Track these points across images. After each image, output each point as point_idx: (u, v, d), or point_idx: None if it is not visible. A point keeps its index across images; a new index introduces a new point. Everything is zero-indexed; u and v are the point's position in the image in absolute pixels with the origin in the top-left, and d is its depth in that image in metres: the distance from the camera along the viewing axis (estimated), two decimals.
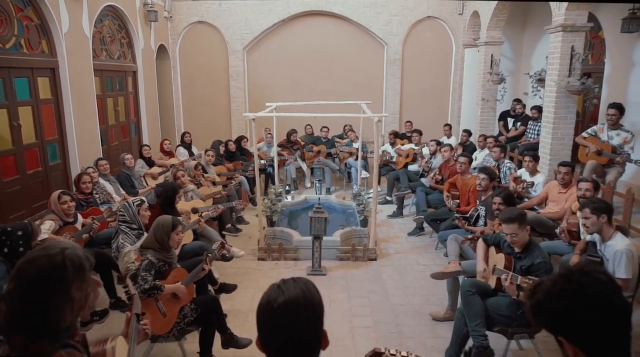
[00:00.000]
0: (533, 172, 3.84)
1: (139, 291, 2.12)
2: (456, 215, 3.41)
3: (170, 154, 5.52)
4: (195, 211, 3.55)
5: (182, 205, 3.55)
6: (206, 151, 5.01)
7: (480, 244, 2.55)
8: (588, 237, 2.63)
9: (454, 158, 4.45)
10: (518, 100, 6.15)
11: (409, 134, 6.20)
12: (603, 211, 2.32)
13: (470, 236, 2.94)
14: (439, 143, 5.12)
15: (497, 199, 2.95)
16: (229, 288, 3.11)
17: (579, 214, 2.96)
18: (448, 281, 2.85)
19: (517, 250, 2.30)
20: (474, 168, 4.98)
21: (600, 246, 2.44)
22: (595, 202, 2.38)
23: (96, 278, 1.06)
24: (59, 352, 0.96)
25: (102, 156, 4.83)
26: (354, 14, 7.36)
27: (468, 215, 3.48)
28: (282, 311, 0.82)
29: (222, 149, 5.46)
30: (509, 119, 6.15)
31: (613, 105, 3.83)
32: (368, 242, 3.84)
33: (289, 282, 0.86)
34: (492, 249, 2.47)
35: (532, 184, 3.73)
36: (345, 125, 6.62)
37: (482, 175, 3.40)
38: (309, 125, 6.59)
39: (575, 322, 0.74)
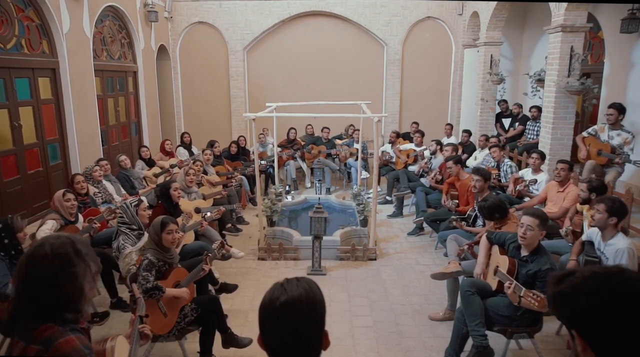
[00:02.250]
0: (537, 170, 3.84)
1: (141, 290, 2.12)
2: (453, 217, 3.39)
3: (170, 154, 5.52)
4: (197, 210, 3.56)
5: (184, 204, 3.55)
6: (203, 151, 5.01)
7: (484, 242, 2.50)
8: (583, 237, 2.63)
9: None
10: (505, 101, 6.18)
11: (412, 135, 6.20)
12: (616, 214, 2.28)
13: (466, 246, 2.90)
14: (439, 143, 5.11)
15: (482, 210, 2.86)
16: (229, 288, 3.12)
17: (585, 213, 2.97)
18: (448, 281, 2.84)
19: (523, 253, 2.25)
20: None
21: (599, 244, 2.43)
22: (615, 203, 2.30)
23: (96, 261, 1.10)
24: (69, 336, 0.99)
25: (102, 156, 4.84)
26: (353, 14, 7.37)
27: (466, 215, 3.47)
28: (284, 309, 0.83)
29: (216, 150, 5.45)
30: (503, 119, 6.17)
31: (612, 105, 3.84)
32: (368, 242, 3.85)
33: (292, 282, 0.87)
34: (496, 249, 2.43)
35: (535, 181, 3.72)
36: (350, 125, 6.61)
37: (476, 177, 3.38)
38: (309, 125, 6.59)
39: (595, 323, 0.72)
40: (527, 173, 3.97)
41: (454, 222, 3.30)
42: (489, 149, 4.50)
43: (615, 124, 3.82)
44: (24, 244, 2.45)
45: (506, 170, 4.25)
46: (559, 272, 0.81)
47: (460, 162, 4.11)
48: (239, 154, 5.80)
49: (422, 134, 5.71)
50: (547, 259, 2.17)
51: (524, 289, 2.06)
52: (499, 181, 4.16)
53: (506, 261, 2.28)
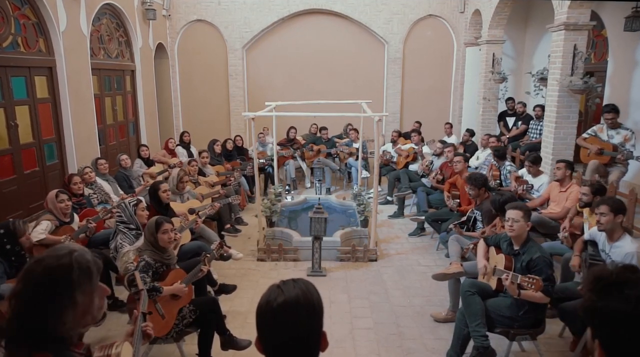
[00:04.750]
0: (536, 174, 3.78)
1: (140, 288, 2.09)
2: (450, 226, 3.36)
3: (173, 153, 5.48)
4: (192, 211, 3.51)
5: (178, 206, 3.51)
6: (200, 153, 4.95)
7: (481, 244, 2.54)
8: (586, 236, 2.60)
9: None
10: (512, 99, 6.12)
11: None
12: (620, 212, 2.30)
13: (471, 245, 2.88)
14: (444, 144, 5.04)
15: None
16: (228, 289, 3.08)
17: (585, 215, 2.93)
18: (449, 282, 2.82)
19: (515, 247, 2.29)
20: (476, 168, 4.94)
21: (604, 245, 2.40)
22: (615, 201, 2.35)
23: (104, 286, 1.05)
24: None
25: (100, 156, 4.80)
26: (354, 12, 7.31)
27: (465, 218, 3.43)
28: (281, 311, 0.82)
29: (216, 148, 5.40)
30: (507, 118, 6.12)
31: (609, 110, 3.81)
32: (368, 243, 3.81)
33: (288, 283, 0.86)
34: (492, 250, 2.45)
35: (532, 186, 3.68)
36: (348, 124, 6.57)
37: (468, 187, 3.38)
38: (314, 124, 6.51)
39: (624, 348, 0.69)
40: (526, 173, 3.92)
41: (453, 229, 3.26)
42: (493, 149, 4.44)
43: (615, 124, 3.79)
44: (26, 247, 2.40)
45: (506, 175, 4.20)
46: (606, 277, 0.71)
47: (468, 161, 4.07)
48: (233, 152, 5.74)
49: (419, 133, 5.68)
50: (537, 248, 2.22)
51: (519, 276, 2.11)
52: (501, 184, 4.11)
53: (502, 259, 2.31)
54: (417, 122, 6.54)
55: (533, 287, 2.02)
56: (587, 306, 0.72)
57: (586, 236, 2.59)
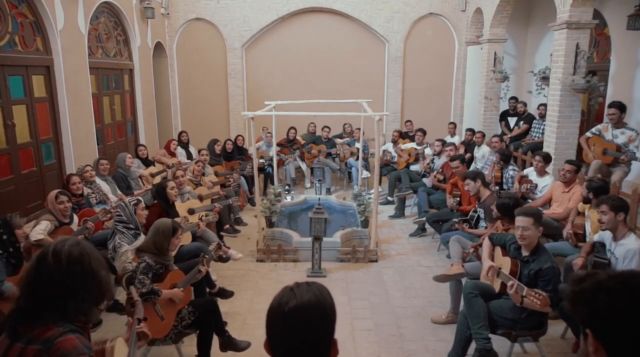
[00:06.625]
0: (541, 173, 3.74)
1: (137, 294, 2.08)
2: (454, 220, 3.33)
3: (174, 154, 5.45)
4: (191, 211, 3.49)
5: (178, 206, 3.49)
6: (200, 151, 4.91)
7: (486, 243, 2.49)
8: (595, 238, 2.58)
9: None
10: (515, 99, 6.09)
11: (412, 134, 6.13)
12: (621, 209, 2.28)
13: (471, 249, 2.85)
14: (444, 143, 5.02)
15: (495, 210, 2.84)
16: (226, 295, 3.06)
17: (587, 213, 2.91)
18: (451, 283, 2.80)
19: (524, 253, 2.23)
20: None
21: (610, 245, 2.39)
22: (614, 199, 2.33)
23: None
24: (69, 336, 1.01)
25: (98, 156, 4.77)
26: (354, 10, 7.27)
27: (468, 217, 3.41)
28: (293, 314, 0.80)
29: (217, 148, 5.37)
30: (509, 118, 6.08)
31: (612, 105, 3.78)
32: (369, 243, 3.78)
33: (302, 286, 0.85)
34: (498, 251, 2.40)
35: (536, 186, 3.65)
36: (345, 124, 6.54)
37: (468, 181, 3.36)
38: (312, 123, 6.49)
39: (613, 323, 0.71)
40: (531, 172, 3.89)
41: (456, 225, 3.24)
42: (495, 151, 4.41)
43: (619, 123, 3.77)
44: (21, 242, 2.42)
45: (508, 179, 4.15)
46: (582, 273, 0.79)
47: (465, 162, 4.04)
48: (233, 153, 5.71)
49: (424, 133, 5.63)
50: (548, 257, 2.15)
51: (526, 288, 2.04)
52: (501, 188, 4.08)
53: (508, 262, 2.25)
54: (409, 121, 6.47)
55: (538, 303, 1.94)
56: (568, 299, 0.78)
57: (596, 237, 2.57)
